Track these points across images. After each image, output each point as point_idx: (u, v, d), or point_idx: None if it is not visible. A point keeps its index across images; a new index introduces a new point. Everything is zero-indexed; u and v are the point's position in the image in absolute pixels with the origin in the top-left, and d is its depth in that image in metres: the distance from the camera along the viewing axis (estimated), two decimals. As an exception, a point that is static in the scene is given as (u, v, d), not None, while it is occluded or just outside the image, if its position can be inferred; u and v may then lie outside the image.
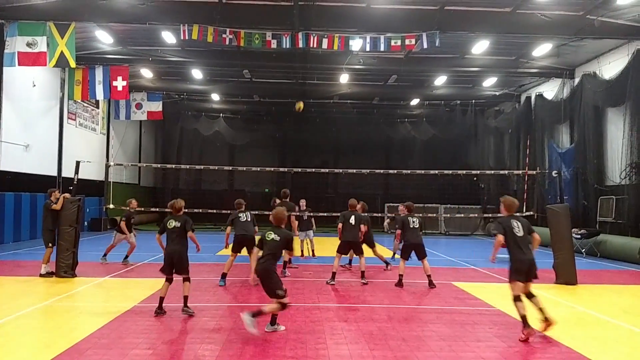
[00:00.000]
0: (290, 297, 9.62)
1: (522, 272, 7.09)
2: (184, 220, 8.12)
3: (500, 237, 7.15)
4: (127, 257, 13.46)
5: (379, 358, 6.11)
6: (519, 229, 7.24)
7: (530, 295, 7.23)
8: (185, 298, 8.03)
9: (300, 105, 20.26)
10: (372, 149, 31.66)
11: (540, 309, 7.13)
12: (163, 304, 7.98)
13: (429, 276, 10.82)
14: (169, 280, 8.07)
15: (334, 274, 11.14)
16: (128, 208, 13.90)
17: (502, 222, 7.33)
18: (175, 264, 8.03)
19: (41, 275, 11.20)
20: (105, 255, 13.65)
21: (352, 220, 11.19)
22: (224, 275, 10.86)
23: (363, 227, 11.35)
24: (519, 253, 7.12)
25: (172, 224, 8.11)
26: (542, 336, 7.15)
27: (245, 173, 28.58)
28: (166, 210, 22.35)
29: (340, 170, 18.63)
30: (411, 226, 10.76)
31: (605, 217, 18.69)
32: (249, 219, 11.02)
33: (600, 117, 19.73)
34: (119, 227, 13.69)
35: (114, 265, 13.00)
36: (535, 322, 7.05)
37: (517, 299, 7.08)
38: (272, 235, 7.07)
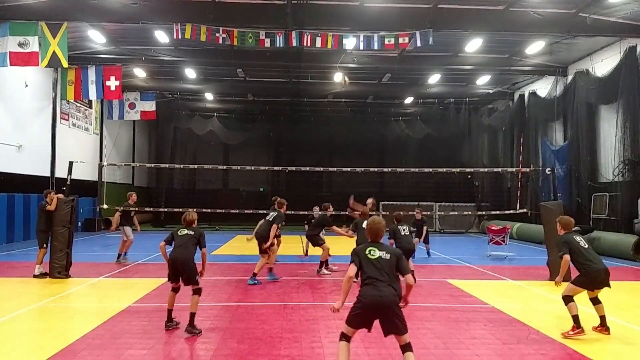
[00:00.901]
0: (285, 296, 9.66)
1: (597, 281, 7.06)
2: (199, 234, 7.40)
3: (567, 257, 7.14)
4: (120, 255, 13.39)
5: (374, 356, 6.12)
6: (583, 243, 7.28)
7: (596, 301, 7.24)
8: (192, 315, 7.06)
9: (344, 79, 18.41)
10: (367, 148, 31.67)
11: (602, 317, 7.19)
12: (173, 316, 7.34)
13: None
14: (175, 290, 7.32)
15: None
16: (127, 202, 13.86)
17: (566, 242, 7.26)
18: (180, 272, 7.23)
19: (35, 276, 11.14)
20: (124, 255, 13.60)
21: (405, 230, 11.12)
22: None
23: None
24: (592, 265, 7.05)
25: (184, 231, 7.38)
26: (536, 333, 7.18)
27: (240, 172, 28.53)
28: (160, 210, 22.34)
29: (335, 169, 18.61)
30: (402, 234, 10.84)
31: (599, 214, 18.78)
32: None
33: (593, 114, 19.83)
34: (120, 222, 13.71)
35: (108, 266, 12.95)
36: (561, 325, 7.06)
37: (570, 299, 7.07)
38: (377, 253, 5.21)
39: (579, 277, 7.15)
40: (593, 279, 7.04)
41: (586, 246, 7.23)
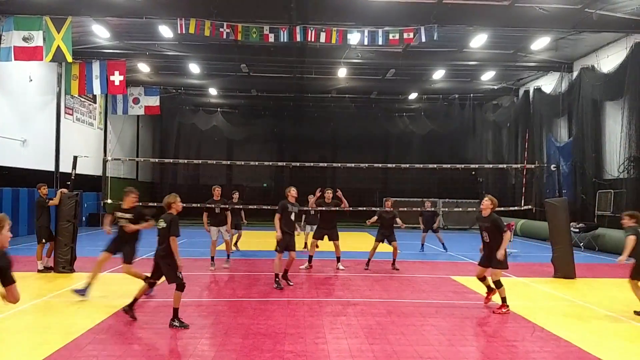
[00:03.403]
0: (289, 291, 9.66)
1: None
2: (169, 221, 7.15)
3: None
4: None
5: (379, 352, 6.11)
6: None
7: None
8: (174, 311, 7.05)
9: None
10: (371, 144, 31.66)
11: None
12: (134, 308, 7.37)
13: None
14: (149, 284, 7.48)
15: None
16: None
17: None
18: (159, 269, 7.24)
19: (39, 271, 11.18)
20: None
21: None
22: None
23: None
24: None
25: (161, 224, 7.19)
26: (541, 330, 7.17)
27: (244, 167, 28.55)
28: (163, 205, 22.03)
29: (339, 165, 18.55)
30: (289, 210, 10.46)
31: (604, 211, 18.72)
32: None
33: (599, 110, 19.72)
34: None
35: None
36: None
37: None
38: None
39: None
40: None
41: None
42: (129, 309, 7.35)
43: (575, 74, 21.13)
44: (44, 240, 11.40)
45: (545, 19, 16.86)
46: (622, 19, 16.80)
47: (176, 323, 6.99)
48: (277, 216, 10.02)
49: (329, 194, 12.21)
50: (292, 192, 10.32)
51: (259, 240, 17.73)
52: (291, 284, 10.28)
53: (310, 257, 12.36)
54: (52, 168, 21.62)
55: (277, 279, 10.01)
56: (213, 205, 12.34)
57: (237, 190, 15.06)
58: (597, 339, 6.82)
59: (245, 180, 32.47)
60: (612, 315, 8.14)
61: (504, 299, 8.21)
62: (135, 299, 7.37)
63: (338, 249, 12.26)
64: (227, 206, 12.52)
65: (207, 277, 11.19)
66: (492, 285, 8.51)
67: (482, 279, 8.67)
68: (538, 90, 24.00)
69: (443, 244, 16.27)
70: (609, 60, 18.89)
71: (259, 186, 32.50)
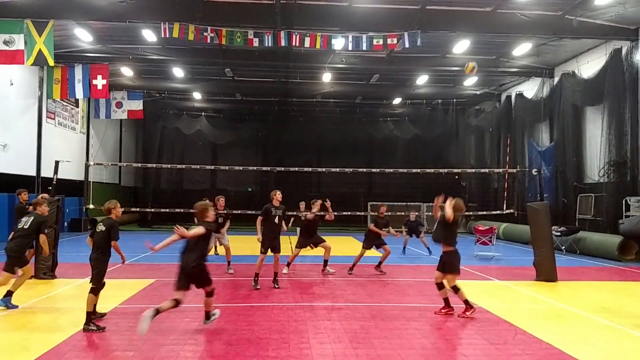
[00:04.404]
0: (273, 296, 9.64)
1: None
2: (109, 225, 7.39)
3: None
4: None
5: (362, 357, 6.12)
6: None
7: None
8: (87, 314, 7.13)
9: (470, 66, 17.29)
10: (355, 148, 31.72)
11: None
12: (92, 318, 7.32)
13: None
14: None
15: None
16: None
17: None
18: (92, 268, 7.37)
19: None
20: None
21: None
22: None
23: None
24: None
25: (100, 227, 7.41)
26: (523, 333, 7.24)
27: (228, 172, 28.44)
28: (147, 210, 22.15)
29: (324, 169, 18.63)
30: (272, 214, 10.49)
31: (585, 215, 18.97)
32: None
33: (579, 115, 20.03)
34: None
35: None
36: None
37: None
38: None
39: None
40: None
41: None
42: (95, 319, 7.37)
43: (556, 79, 21.45)
44: None
45: (526, 25, 17.13)
46: (601, 25, 17.13)
47: (92, 327, 7.02)
48: (259, 219, 10.26)
49: (317, 205, 12.22)
50: (277, 195, 10.45)
51: (243, 245, 17.65)
52: (277, 287, 10.29)
53: (289, 263, 12.35)
54: (33, 173, 21.35)
55: (256, 278, 10.22)
56: (222, 216, 12.39)
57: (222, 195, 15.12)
58: (578, 341, 6.91)
59: (230, 184, 32.37)
60: (592, 318, 8.25)
61: (465, 302, 8.15)
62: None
63: (328, 251, 12.24)
64: (229, 216, 12.73)
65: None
66: (447, 295, 8.35)
67: (440, 285, 8.40)
68: (520, 95, 24.29)
69: (428, 248, 16.39)
70: (589, 66, 19.20)
71: (244, 191, 32.40)
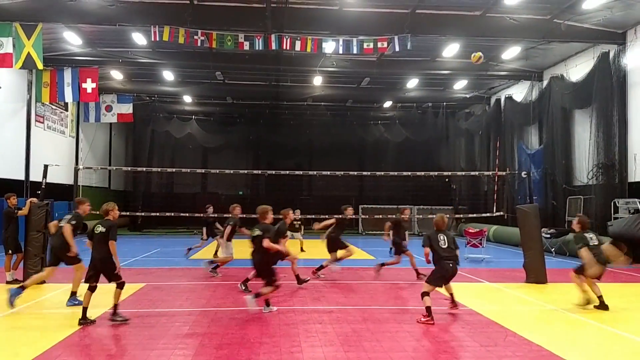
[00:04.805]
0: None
1: None
2: (109, 226, 7.75)
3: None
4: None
5: (354, 359, 6.13)
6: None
7: None
8: (115, 306, 7.81)
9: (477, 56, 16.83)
10: (346, 151, 31.77)
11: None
12: (88, 315, 7.66)
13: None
14: (92, 289, 7.69)
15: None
16: (231, 214, 12.45)
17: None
18: (100, 271, 7.74)
19: (8, 283, 10.91)
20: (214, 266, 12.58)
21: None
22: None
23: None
24: None
25: (99, 229, 7.73)
26: (513, 335, 7.27)
27: (219, 175, 28.39)
28: (137, 214, 22.01)
29: (315, 172, 18.63)
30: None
31: (574, 217, 19.01)
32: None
33: (568, 118, 20.19)
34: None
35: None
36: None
37: None
38: None
39: None
40: None
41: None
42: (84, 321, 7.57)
43: (545, 82, 21.61)
44: (10, 252, 11.17)
45: (515, 29, 17.27)
46: (589, 29, 17.30)
47: (118, 318, 7.68)
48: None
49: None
50: (291, 215, 10.25)
51: (234, 249, 17.59)
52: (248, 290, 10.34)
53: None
54: (22, 177, 21.17)
55: (246, 282, 10.28)
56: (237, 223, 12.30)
57: (211, 204, 16.20)
58: (568, 343, 6.95)
59: (221, 188, 32.30)
60: (582, 319, 8.31)
61: (426, 309, 7.94)
62: (85, 308, 7.67)
63: (334, 258, 12.26)
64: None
65: (181, 286, 11.09)
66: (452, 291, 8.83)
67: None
68: (509, 98, 24.45)
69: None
70: (578, 70, 19.38)
71: (235, 194, 32.31)
